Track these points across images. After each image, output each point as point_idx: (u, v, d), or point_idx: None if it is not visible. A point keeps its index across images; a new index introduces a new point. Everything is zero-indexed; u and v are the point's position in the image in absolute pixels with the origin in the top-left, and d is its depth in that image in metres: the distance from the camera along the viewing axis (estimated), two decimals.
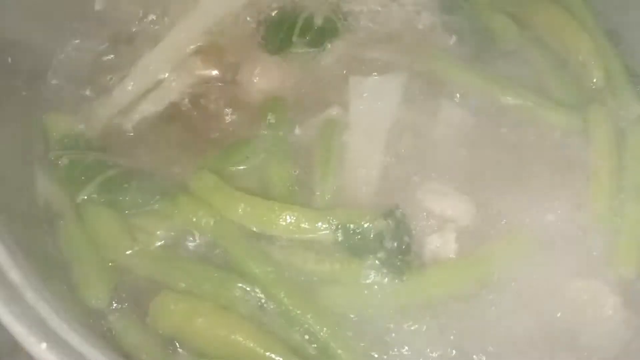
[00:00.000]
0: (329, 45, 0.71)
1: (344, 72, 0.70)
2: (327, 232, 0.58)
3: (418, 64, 0.70)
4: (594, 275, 0.60)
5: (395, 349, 0.55)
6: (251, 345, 0.52)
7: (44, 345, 0.37)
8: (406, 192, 0.63)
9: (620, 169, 0.66)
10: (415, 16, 0.74)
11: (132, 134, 0.66)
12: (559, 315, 0.58)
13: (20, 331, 0.38)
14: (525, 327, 0.57)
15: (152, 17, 0.73)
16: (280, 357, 0.52)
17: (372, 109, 0.68)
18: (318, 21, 0.71)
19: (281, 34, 0.71)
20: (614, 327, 0.57)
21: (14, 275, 0.40)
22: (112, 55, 0.71)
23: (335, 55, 0.71)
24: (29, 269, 0.42)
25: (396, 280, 0.57)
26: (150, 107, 0.67)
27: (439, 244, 0.60)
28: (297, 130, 0.67)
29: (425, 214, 0.62)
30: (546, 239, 0.61)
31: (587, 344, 0.56)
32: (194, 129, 0.67)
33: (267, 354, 0.52)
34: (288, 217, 0.58)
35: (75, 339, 0.39)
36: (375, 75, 0.70)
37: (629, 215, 0.63)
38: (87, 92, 0.68)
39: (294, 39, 0.70)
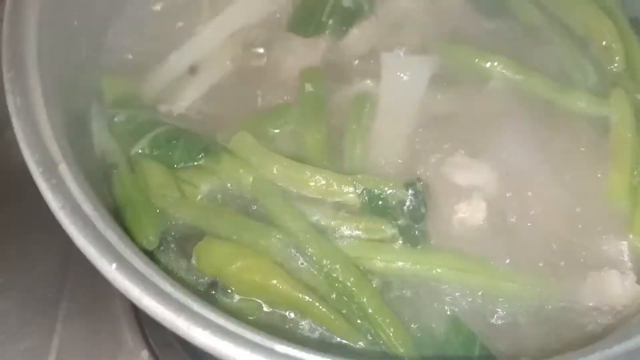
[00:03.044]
0: (356, 26, 0.76)
1: (374, 50, 0.75)
2: (353, 195, 0.63)
3: (442, 47, 0.75)
4: (609, 245, 0.64)
5: (406, 308, 0.60)
6: (284, 288, 0.58)
7: (114, 265, 0.43)
8: (431, 163, 0.67)
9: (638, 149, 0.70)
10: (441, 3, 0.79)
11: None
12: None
13: (93, 253, 0.44)
14: None
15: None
16: (309, 299, 0.58)
17: (402, 85, 0.73)
18: (346, 3, 0.76)
19: (312, 17, 0.76)
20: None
21: (86, 207, 0.46)
22: (164, 29, 0.76)
23: (363, 34, 0.76)
24: (97, 203, 0.48)
25: (411, 247, 0.62)
26: (194, 93, 0.72)
27: (468, 212, 0.64)
28: (331, 101, 0.71)
29: (450, 183, 0.66)
30: (565, 211, 0.66)
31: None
32: (235, 102, 0.72)
33: (299, 296, 0.58)
34: (318, 179, 0.64)
35: (139, 264, 0.45)
36: (405, 54, 0.75)
37: None
38: (140, 60, 0.74)
39: (324, 19, 0.76)
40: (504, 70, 0.74)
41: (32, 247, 0.86)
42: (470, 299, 0.59)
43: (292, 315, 0.59)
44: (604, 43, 0.78)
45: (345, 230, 0.63)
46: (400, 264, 0.61)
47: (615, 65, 0.77)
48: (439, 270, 0.60)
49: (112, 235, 0.46)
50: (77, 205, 0.46)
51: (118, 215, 0.61)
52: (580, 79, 0.75)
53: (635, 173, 0.68)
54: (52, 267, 0.86)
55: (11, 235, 0.86)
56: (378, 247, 0.62)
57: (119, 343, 0.83)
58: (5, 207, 0.89)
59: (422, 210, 0.63)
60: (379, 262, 0.61)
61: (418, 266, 0.61)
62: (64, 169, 0.48)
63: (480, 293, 0.60)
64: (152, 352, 0.81)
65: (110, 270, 0.43)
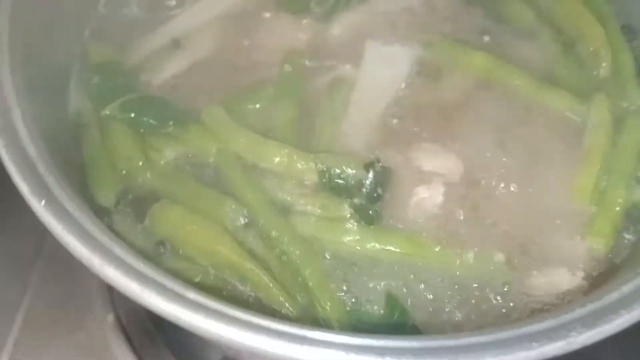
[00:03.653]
0: (343, 12, 0.77)
1: (358, 37, 0.75)
2: (314, 172, 0.64)
3: (428, 40, 0.75)
4: (565, 244, 0.64)
5: (349, 284, 0.60)
6: (229, 254, 0.59)
7: (43, 202, 0.45)
8: (399, 149, 0.67)
9: (611, 156, 0.68)
10: None
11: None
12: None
13: (25, 190, 0.46)
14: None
15: None
16: (252, 267, 0.58)
17: (381, 73, 0.73)
18: None
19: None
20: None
21: (31, 150, 0.48)
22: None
23: (350, 21, 0.77)
24: (44, 148, 0.50)
25: (364, 226, 0.62)
26: (176, 66, 0.74)
27: (426, 195, 0.64)
28: (310, 83, 0.73)
29: (414, 168, 0.66)
30: (527, 207, 0.65)
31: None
32: (216, 77, 0.74)
33: (242, 263, 0.59)
34: (281, 154, 0.65)
35: (70, 205, 0.46)
36: (388, 43, 0.75)
37: (608, 197, 0.66)
38: (128, 29, 0.76)
39: (312, 4, 0.77)
40: (486, 65, 0.74)
41: (14, 207, 0.88)
42: (411, 279, 0.60)
43: (234, 281, 0.59)
44: (591, 48, 0.77)
45: (302, 206, 0.63)
46: (348, 241, 0.61)
47: (602, 71, 0.75)
48: (386, 250, 0.61)
49: (50, 178, 0.48)
50: (21, 147, 0.48)
51: (83, 173, 0.64)
52: (564, 79, 0.74)
53: (603, 178, 0.67)
54: (32, 229, 0.88)
55: None
56: (329, 224, 0.62)
57: (88, 307, 0.85)
58: None
59: (379, 191, 0.63)
60: (328, 239, 0.61)
61: (364, 245, 0.61)
62: (16, 114, 0.50)
63: (421, 274, 0.60)
64: (117, 316, 0.83)
65: (38, 206, 0.45)
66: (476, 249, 0.62)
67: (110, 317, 0.83)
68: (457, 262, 0.61)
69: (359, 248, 0.61)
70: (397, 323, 0.56)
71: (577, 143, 0.70)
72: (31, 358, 0.81)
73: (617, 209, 0.65)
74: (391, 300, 0.58)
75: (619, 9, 0.79)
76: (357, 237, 0.62)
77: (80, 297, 0.86)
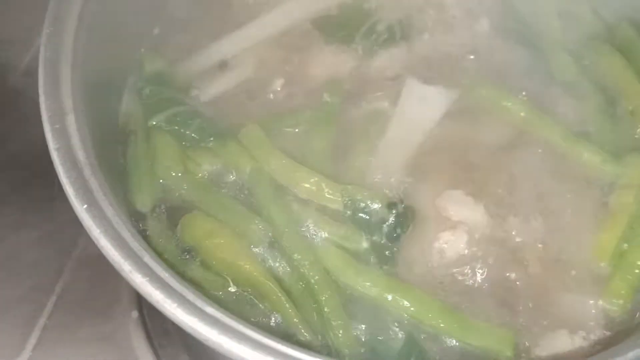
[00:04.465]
0: (386, 50, 0.79)
1: (398, 75, 0.78)
2: (340, 203, 0.66)
3: (468, 84, 0.77)
4: (578, 305, 0.64)
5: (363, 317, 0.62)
6: (251, 271, 0.62)
7: (85, 206, 0.49)
8: (427, 191, 0.69)
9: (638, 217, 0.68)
10: (476, 42, 0.81)
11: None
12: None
13: (71, 193, 0.49)
14: None
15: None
16: (271, 286, 0.61)
17: (417, 112, 0.75)
18: (380, 27, 0.80)
19: (345, 30, 0.80)
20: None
21: (80, 154, 0.52)
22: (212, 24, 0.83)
23: (392, 58, 0.79)
24: (91, 153, 0.54)
25: (377, 265, 0.64)
26: (222, 85, 0.78)
27: (449, 241, 0.65)
28: (346, 113, 0.75)
29: (440, 214, 0.67)
30: (545, 265, 0.66)
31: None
32: (258, 99, 0.77)
33: (262, 281, 0.61)
34: (311, 181, 0.67)
35: (109, 210, 0.50)
36: (428, 83, 0.77)
37: (630, 259, 0.65)
38: (185, 46, 0.81)
39: (357, 38, 0.80)
40: (522, 114, 0.75)
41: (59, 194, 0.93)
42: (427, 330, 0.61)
43: (254, 298, 0.62)
44: (631, 107, 0.77)
45: (324, 234, 0.65)
46: (361, 283, 0.62)
47: (639, 130, 0.76)
48: (399, 304, 0.61)
49: (94, 182, 0.51)
50: (71, 151, 0.52)
51: (122, 177, 0.68)
52: (599, 136, 0.74)
53: (625, 239, 0.67)
54: (75, 218, 0.93)
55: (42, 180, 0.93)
56: (348, 260, 0.64)
57: (115, 300, 0.88)
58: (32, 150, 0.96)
59: (398, 231, 0.65)
60: (344, 273, 0.63)
61: (378, 291, 0.62)
62: (70, 119, 0.54)
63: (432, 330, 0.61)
64: (141, 314, 0.86)
65: (80, 209, 0.49)
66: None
67: (135, 314, 0.86)
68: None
69: (369, 292, 0.62)
70: None
71: (604, 201, 0.70)
72: (56, 343, 0.85)
73: (637, 271, 0.65)
74: (411, 341, 0.59)
75: None
76: (369, 280, 0.62)
77: (110, 290, 0.89)
